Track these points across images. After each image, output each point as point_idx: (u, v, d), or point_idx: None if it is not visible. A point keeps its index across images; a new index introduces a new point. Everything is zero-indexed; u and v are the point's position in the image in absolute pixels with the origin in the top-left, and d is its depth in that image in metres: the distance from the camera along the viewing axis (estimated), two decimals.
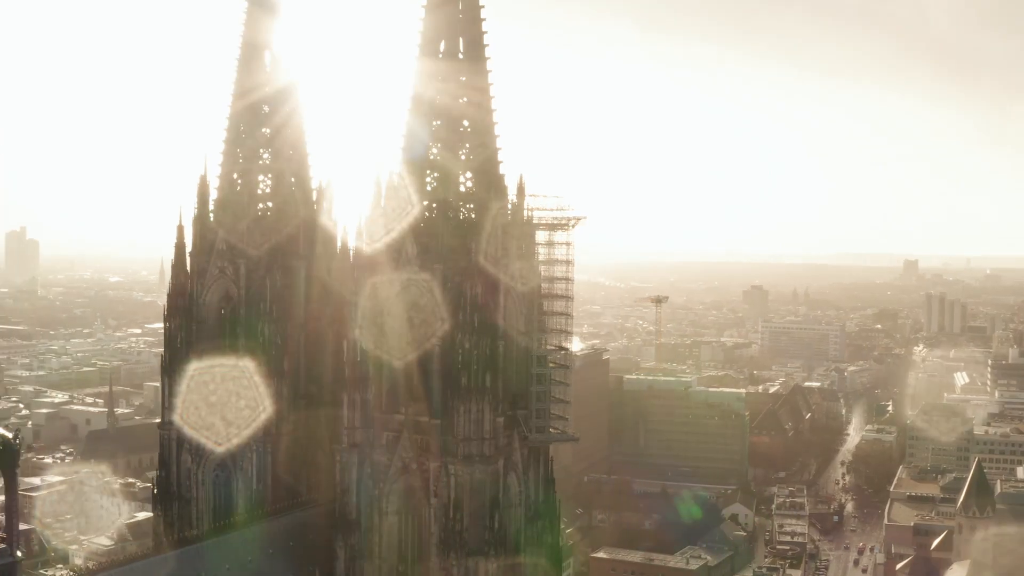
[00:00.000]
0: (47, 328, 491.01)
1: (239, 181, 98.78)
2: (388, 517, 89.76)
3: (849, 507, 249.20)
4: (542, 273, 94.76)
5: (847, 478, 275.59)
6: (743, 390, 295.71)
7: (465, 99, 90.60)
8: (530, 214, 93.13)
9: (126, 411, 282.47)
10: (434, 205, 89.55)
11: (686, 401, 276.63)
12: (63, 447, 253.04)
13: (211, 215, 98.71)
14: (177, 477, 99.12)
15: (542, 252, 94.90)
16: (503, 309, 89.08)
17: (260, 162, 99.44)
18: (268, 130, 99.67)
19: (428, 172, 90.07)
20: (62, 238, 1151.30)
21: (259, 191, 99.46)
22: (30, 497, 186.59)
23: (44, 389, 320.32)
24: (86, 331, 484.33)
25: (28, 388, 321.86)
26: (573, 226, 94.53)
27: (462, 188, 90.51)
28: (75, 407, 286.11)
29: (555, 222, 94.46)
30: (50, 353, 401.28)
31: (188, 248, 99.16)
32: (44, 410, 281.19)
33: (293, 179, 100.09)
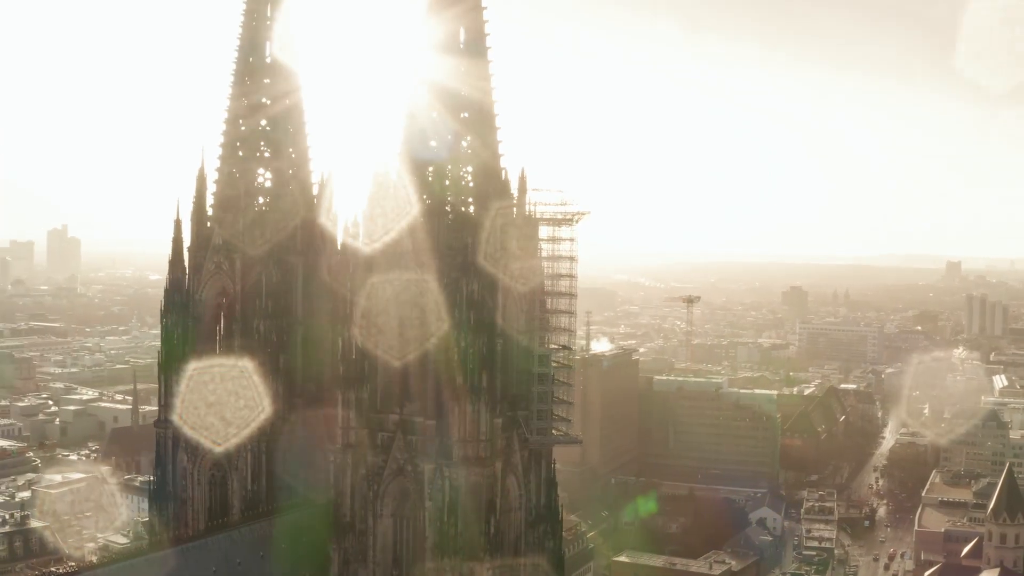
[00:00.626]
0: (84, 325, 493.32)
1: (237, 175, 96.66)
2: (383, 520, 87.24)
3: (881, 512, 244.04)
4: (546, 270, 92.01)
5: (880, 482, 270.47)
6: (774, 391, 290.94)
7: (465, 92, 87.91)
8: (532, 209, 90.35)
9: (153, 408, 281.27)
10: (431, 201, 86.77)
11: (716, 402, 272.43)
12: (89, 444, 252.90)
13: (210, 210, 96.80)
14: (173, 476, 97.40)
15: (546, 248, 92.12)
16: (502, 307, 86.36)
17: (259, 156, 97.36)
18: (267, 124, 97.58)
19: (426, 167, 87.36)
20: (104, 236, 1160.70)
21: (258, 186, 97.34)
22: (49, 494, 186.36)
23: (75, 386, 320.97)
24: (121, 328, 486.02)
25: (59, 385, 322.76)
26: (577, 221, 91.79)
27: (461, 183, 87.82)
28: (103, 404, 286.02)
29: (560, 217, 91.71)
30: (84, 350, 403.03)
31: (187, 244, 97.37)
32: (72, 407, 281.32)
33: (291, 171, 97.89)
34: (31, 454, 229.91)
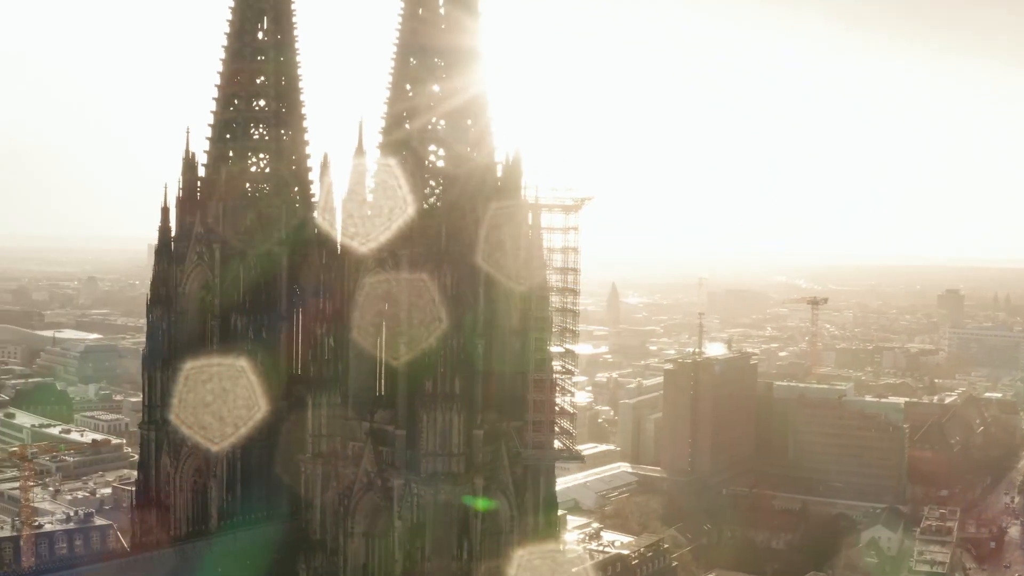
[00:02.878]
0: None
1: (223, 159, 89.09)
2: (354, 538, 78.51)
3: (1013, 532, 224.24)
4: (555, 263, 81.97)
5: (1016, 500, 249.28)
6: (903, 399, 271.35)
7: (444, 66, 78.63)
8: (536, 195, 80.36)
9: None
10: (410, 187, 77.34)
11: (839, 411, 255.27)
12: None
13: (199, 196, 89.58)
14: (156, 481, 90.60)
15: (558, 240, 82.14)
16: (484, 303, 76.53)
17: (249, 139, 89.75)
18: (260, 104, 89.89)
19: (402, 149, 78.15)
20: None
21: (246, 171, 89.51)
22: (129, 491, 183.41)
23: None
24: None
25: None
26: (579, 208, 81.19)
27: (440, 164, 78.40)
28: None
29: (560, 203, 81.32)
30: None
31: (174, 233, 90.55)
32: None
33: (284, 156, 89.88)
34: (128, 449, 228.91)
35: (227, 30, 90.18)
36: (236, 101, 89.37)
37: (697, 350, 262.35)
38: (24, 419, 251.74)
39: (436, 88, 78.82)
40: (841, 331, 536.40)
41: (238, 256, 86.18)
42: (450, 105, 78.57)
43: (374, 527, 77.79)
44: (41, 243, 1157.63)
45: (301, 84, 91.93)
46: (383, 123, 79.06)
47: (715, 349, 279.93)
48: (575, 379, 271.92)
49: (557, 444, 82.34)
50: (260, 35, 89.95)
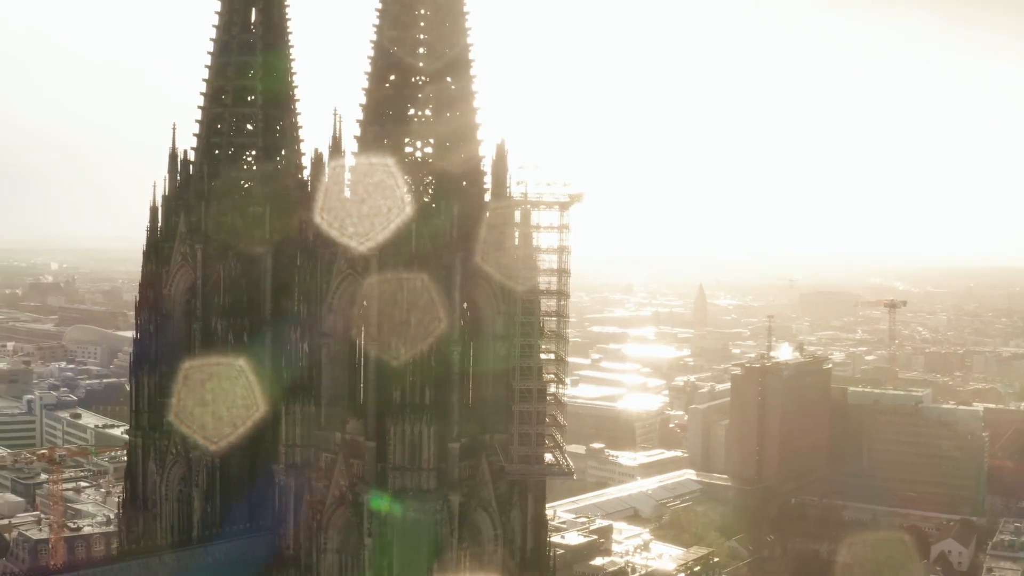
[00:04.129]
0: None
1: (210, 156, 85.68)
2: (327, 555, 74.10)
3: None
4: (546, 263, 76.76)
5: None
6: (982, 406, 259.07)
7: (426, 56, 74.04)
8: (525, 190, 75.23)
9: None
10: (385, 183, 72.76)
11: (915, 418, 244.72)
12: None
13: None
14: (144, 489, 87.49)
15: (547, 238, 76.89)
16: (460, 306, 71.65)
17: (238, 134, 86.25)
18: (249, 98, 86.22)
19: (379, 144, 73.66)
20: None
21: (233, 168, 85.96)
22: None
23: None
24: None
25: None
26: (569, 205, 75.79)
27: (418, 154, 73.73)
28: None
29: (558, 200, 75.92)
30: None
31: None
32: None
33: (273, 152, 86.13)
34: None
35: (215, 22, 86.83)
36: (223, 96, 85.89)
37: (766, 354, 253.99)
38: (89, 419, 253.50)
39: (417, 80, 74.33)
40: (933, 334, 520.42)
41: (219, 257, 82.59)
42: (432, 98, 74.03)
43: (347, 544, 73.39)
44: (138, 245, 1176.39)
45: (294, 78, 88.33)
46: (361, 116, 74.69)
47: (786, 353, 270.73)
48: (652, 382, 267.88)
49: (550, 458, 77.08)
50: (249, 27, 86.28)
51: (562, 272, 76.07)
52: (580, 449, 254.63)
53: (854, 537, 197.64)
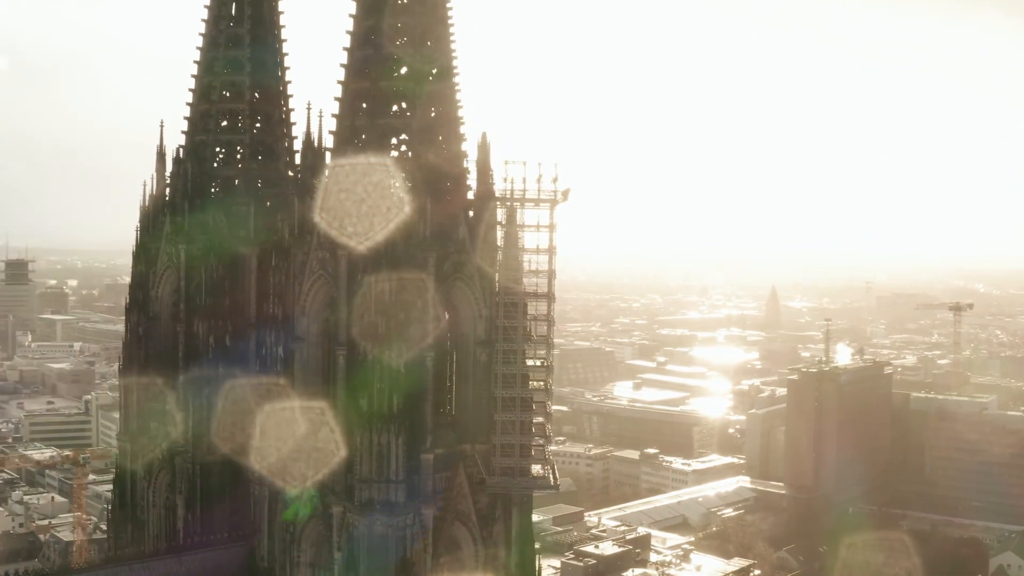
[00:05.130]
0: None
1: (194, 154, 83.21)
2: (301, 568, 71.05)
3: None
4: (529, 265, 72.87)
5: None
6: None
7: (406, 46, 70.64)
8: (509, 188, 71.43)
9: None
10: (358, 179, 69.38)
11: (980, 425, 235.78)
12: None
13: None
14: (132, 496, 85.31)
15: (530, 239, 72.99)
16: (435, 309, 68.02)
17: (225, 130, 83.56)
18: (233, 94, 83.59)
19: (354, 139, 70.44)
20: None
21: (220, 165, 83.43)
22: None
23: None
24: None
25: None
26: (557, 203, 71.74)
27: (394, 154, 70.23)
28: None
29: (543, 198, 71.93)
30: None
31: None
32: None
33: (254, 148, 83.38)
34: None
35: (204, 16, 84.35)
36: (211, 93, 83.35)
37: (824, 358, 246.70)
38: None
39: (397, 71, 70.95)
40: (1011, 337, 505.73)
41: (201, 258, 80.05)
42: (410, 91, 70.58)
43: (320, 558, 70.26)
44: None
45: (286, 73, 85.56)
46: (337, 110, 71.53)
47: (844, 357, 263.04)
48: (717, 386, 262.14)
49: (538, 470, 73.15)
50: (238, 21, 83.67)
51: (550, 274, 71.99)
52: (634, 454, 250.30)
53: (909, 548, 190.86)
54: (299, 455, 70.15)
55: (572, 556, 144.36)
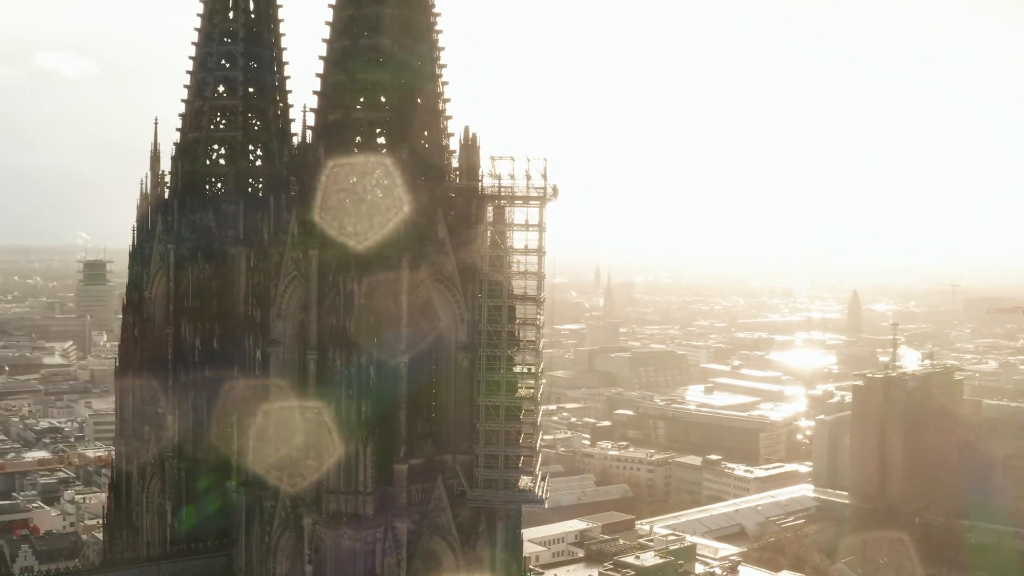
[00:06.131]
0: None
1: (194, 149, 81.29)
2: None
3: None
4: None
5: None
6: None
7: (384, 32, 67.68)
8: (495, 184, 68.10)
9: None
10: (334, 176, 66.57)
11: None
12: None
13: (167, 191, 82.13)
14: (128, 499, 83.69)
15: (518, 239, 69.56)
16: (408, 311, 64.90)
17: (218, 131, 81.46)
18: (235, 88, 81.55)
19: (331, 135, 67.67)
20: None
21: (218, 164, 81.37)
22: None
23: None
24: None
25: None
26: (546, 201, 68.15)
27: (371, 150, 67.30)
28: None
29: (530, 195, 68.42)
30: None
31: None
32: None
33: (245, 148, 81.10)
34: None
35: (200, 11, 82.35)
36: (204, 89, 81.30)
37: (890, 363, 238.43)
38: None
39: (375, 63, 68.03)
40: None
41: (189, 258, 77.99)
42: (388, 84, 67.63)
43: (294, 570, 67.55)
44: None
45: (283, 69, 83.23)
46: (316, 104, 68.85)
47: (912, 362, 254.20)
48: (790, 390, 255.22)
49: (526, 482, 69.61)
50: (230, 15, 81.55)
51: (535, 276, 68.51)
52: (696, 461, 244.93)
53: (974, 561, 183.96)
54: (273, 463, 67.67)
55: (611, 567, 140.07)
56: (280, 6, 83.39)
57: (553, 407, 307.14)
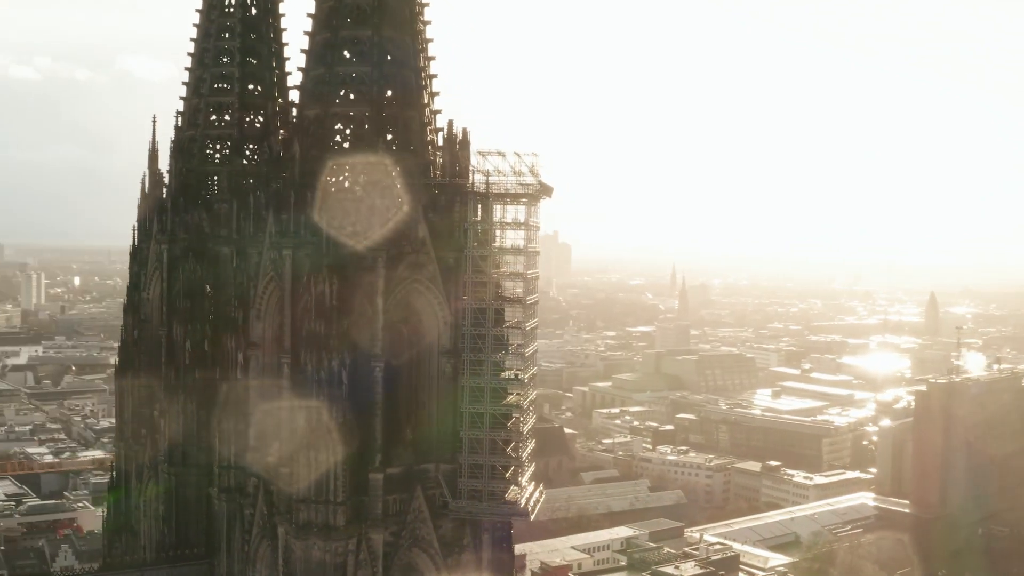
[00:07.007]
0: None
1: (190, 147, 79.62)
2: None
3: None
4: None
5: None
6: None
7: (365, 24, 65.23)
8: (486, 181, 65.26)
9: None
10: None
11: None
12: None
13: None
14: (127, 504, 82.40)
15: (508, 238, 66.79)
16: (384, 313, 62.30)
17: (212, 128, 79.67)
18: (231, 85, 79.63)
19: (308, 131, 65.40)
20: (601, 241, 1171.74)
21: (213, 163, 79.62)
22: None
23: None
24: (558, 332, 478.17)
25: None
26: (535, 199, 65.25)
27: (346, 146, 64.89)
28: None
29: (521, 193, 65.52)
30: None
31: None
32: None
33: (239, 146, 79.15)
34: None
35: (198, 6, 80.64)
36: (200, 86, 79.64)
37: (954, 369, 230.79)
38: None
39: (355, 56, 65.65)
40: None
41: (182, 258, 76.33)
42: (367, 77, 65.12)
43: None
44: None
45: (284, 65, 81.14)
46: (298, 99, 66.68)
47: (976, 367, 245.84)
48: (860, 395, 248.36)
49: (515, 493, 66.64)
50: (228, 10, 79.69)
51: (524, 279, 65.63)
52: (755, 467, 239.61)
53: None
54: (251, 470, 65.72)
55: None
56: (281, 0, 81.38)
57: (616, 410, 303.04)
